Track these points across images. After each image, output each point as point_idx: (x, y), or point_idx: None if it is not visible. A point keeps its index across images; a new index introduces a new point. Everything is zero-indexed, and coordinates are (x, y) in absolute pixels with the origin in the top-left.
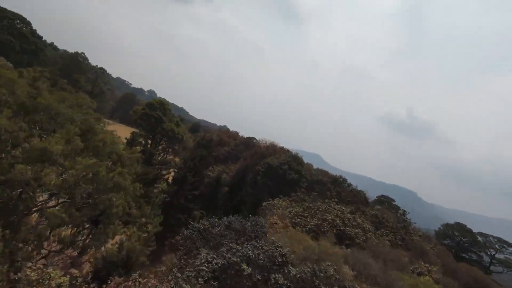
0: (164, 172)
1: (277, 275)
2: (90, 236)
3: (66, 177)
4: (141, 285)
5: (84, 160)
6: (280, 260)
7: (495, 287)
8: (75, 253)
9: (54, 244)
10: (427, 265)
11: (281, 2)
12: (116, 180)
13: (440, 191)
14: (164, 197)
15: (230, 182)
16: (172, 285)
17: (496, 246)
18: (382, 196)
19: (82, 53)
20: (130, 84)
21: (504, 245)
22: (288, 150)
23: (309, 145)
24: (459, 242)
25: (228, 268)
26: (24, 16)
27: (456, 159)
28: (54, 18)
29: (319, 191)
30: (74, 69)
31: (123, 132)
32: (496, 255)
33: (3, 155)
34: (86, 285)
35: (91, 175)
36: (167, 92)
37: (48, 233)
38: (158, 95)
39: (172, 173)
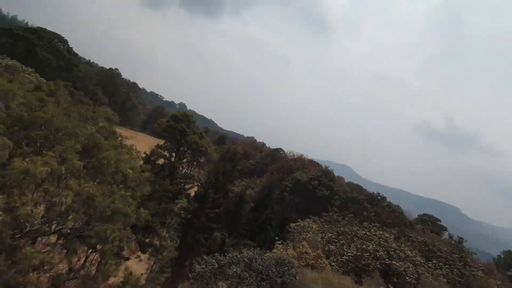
0: (187, 186)
1: None
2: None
3: (53, 205)
4: None
5: (78, 183)
6: None
7: None
8: None
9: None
10: None
11: (309, 13)
12: (115, 207)
13: (488, 207)
14: (184, 215)
15: (255, 198)
16: None
17: None
18: (425, 215)
19: (116, 69)
20: (163, 98)
21: None
22: (317, 164)
23: (338, 156)
24: None
25: None
26: (64, 34)
27: (507, 171)
28: (94, 37)
29: (354, 211)
30: (108, 84)
31: (152, 144)
32: None
33: None
34: None
35: (86, 201)
36: (196, 105)
37: (21, 279)
38: (188, 107)
39: (196, 188)
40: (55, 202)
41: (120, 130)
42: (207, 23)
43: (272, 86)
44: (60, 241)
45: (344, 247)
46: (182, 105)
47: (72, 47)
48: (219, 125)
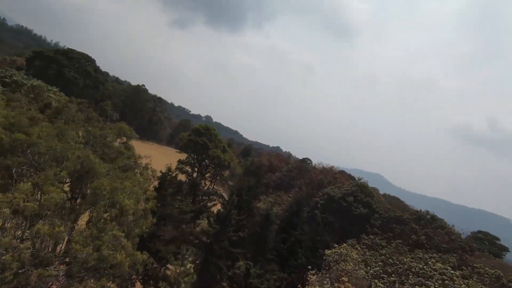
0: (209, 204)
1: None
2: None
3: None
4: None
5: (51, 225)
6: None
7: None
8: None
9: None
10: None
11: (331, 20)
12: (101, 256)
13: None
14: (204, 239)
15: (282, 217)
16: None
17: None
18: (480, 232)
19: (143, 85)
20: (189, 111)
21: None
22: (351, 176)
23: (369, 165)
24: None
25: None
26: (97, 55)
27: None
28: (126, 57)
29: (399, 233)
30: (135, 100)
31: (177, 158)
32: None
33: None
34: None
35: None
36: (222, 117)
37: None
38: (214, 120)
39: (219, 205)
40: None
41: (146, 145)
42: (230, 37)
43: (296, 95)
44: None
45: (396, 285)
46: (208, 117)
47: (99, 66)
48: (244, 136)
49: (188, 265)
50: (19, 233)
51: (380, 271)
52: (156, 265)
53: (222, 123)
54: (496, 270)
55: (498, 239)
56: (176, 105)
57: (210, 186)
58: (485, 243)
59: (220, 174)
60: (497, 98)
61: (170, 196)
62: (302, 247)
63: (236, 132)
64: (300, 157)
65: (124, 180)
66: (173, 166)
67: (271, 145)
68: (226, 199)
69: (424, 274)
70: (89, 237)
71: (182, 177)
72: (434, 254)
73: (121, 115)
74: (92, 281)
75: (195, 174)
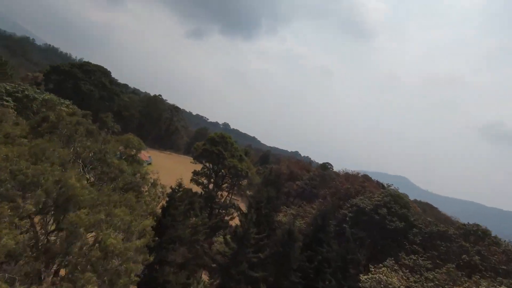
0: (226, 218)
1: None
2: None
3: None
4: None
5: None
6: None
7: None
8: None
9: None
10: None
11: (348, 22)
12: None
13: None
14: (221, 261)
15: (306, 231)
16: None
17: None
18: None
19: (159, 95)
20: (207, 119)
21: None
22: (379, 184)
23: (393, 168)
24: None
25: None
26: (117, 67)
27: None
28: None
29: (445, 251)
30: (152, 110)
31: (193, 168)
32: None
33: None
34: None
35: None
36: (239, 124)
37: None
38: (232, 127)
39: (236, 219)
40: None
41: (163, 155)
42: (245, 45)
43: (314, 99)
44: None
45: None
46: (225, 124)
47: (114, 78)
48: (262, 142)
49: None
50: None
51: None
52: None
53: (240, 130)
54: None
55: None
56: (194, 113)
57: (227, 198)
58: None
59: (237, 184)
60: None
61: (182, 214)
62: (330, 267)
63: (253, 138)
64: (320, 162)
65: (116, 207)
66: (189, 176)
67: (289, 150)
68: (244, 211)
69: None
70: None
71: (197, 189)
72: (502, 287)
73: (138, 126)
74: None
75: (211, 186)
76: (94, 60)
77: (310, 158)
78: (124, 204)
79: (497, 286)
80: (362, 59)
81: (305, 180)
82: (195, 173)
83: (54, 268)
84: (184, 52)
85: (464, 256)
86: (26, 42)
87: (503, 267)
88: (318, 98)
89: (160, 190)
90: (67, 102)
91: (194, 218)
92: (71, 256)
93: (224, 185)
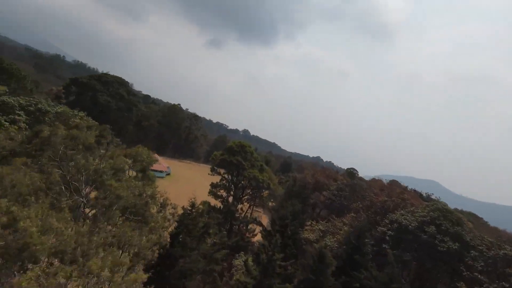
0: (248, 235)
1: None
2: None
3: None
4: None
5: None
6: None
7: None
8: None
9: None
10: None
11: (366, 23)
12: None
13: None
14: None
15: (339, 252)
16: None
17: None
18: None
19: (178, 104)
20: (227, 126)
21: None
22: (421, 196)
23: (422, 172)
24: None
25: None
26: (139, 78)
27: None
28: (167, 80)
29: None
30: (171, 119)
31: (212, 179)
32: None
33: None
34: None
35: None
36: (259, 130)
37: None
38: (252, 133)
39: (258, 235)
40: None
41: (183, 164)
42: (263, 51)
43: (333, 102)
44: None
45: None
46: (245, 131)
47: (134, 88)
48: (282, 147)
49: None
50: None
51: None
52: None
53: (260, 136)
54: None
55: None
56: (214, 121)
57: (247, 211)
58: None
59: (258, 196)
60: None
61: (196, 240)
62: None
63: (274, 144)
64: (342, 167)
65: (99, 252)
66: (207, 186)
67: (311, 155)
68: (266, 227)
69: None
70: None
71: (216, 202)
72: None
73: (158, 135)
74: None
75: (230, 198)
76: (119, 73)
77: (332, 163)
78: (114, 242)
79: None
80: (380, 60)
81: (333, 190)
82: (213, 185)
83: None
84: (204, 62)
85: None
86: (57, 60)
87: None
88: (337, 102)
89: (171, 211)
90: (81, 114)
91: (211, 239)
92: None
93: (244, 197)
